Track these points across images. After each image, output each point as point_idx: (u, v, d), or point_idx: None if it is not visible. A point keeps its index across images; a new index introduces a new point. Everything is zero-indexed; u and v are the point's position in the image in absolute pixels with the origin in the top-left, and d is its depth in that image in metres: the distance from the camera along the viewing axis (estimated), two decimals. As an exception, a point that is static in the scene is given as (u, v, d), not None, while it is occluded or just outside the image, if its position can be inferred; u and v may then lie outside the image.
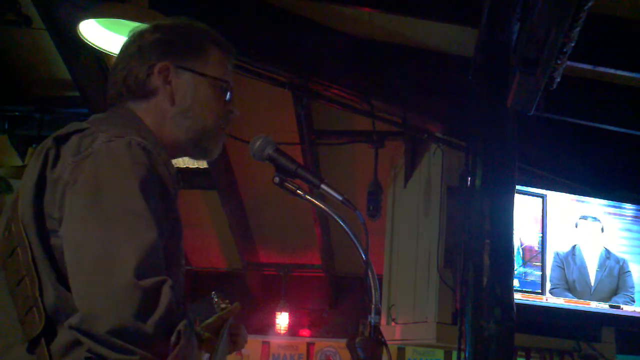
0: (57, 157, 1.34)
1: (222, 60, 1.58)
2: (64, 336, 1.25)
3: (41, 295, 1.28)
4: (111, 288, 1.17)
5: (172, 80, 1.51)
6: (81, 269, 1.22)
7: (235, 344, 1.86)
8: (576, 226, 4.00)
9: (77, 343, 1.23)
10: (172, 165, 1.42)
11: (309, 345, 7.90)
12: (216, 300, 1.86)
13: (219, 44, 1.58)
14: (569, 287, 3.89)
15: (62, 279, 1.27)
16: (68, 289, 1.25)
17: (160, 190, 1.32)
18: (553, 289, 3.84)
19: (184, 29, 1.57)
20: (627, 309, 3.96)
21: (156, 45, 1.52)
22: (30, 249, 1.30)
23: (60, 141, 1.36)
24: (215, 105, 1.55)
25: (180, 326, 1.19)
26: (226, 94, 1.57)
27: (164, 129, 1.51)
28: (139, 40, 1.54)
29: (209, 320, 1.80)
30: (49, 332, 1.26)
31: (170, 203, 1.36)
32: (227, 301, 1.86)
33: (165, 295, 1.19)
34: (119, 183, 1.27)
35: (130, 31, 1.58)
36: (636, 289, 4.00)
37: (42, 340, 1.25)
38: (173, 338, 1.18)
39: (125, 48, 1.56)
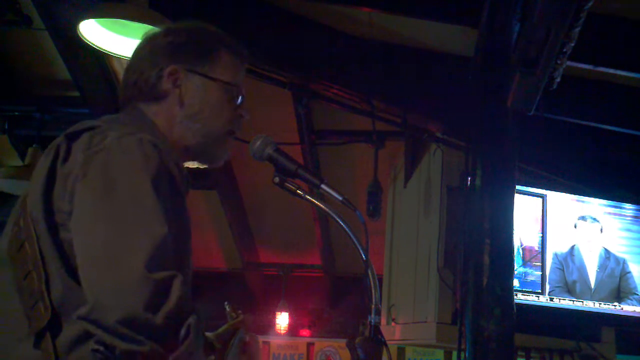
0: (68, 152, 1.34)
1: (233, 64, 1.58)
2: (70, 331, 1.25)
3: (48, 289, 1.28)
4: (122, 278, 1.17)
5: (181, 83, 1.52)
6: (91, 260, 1.22)
7: (247, 355, 1.82)
8: (575, 227, 4.00)
9: (83, 338, 1.23)
10: (182, 166, 1.43)
11: (309, 345, 7.89)
12: (228, 310, 1.86)
13: (231, 48, 1.58)
14: (568, 288, 3.88)
15: (71, 272, 1.27)
16: (77, 282, 1.25)
17: (170, 188, 1.32)
18: (552, 291, 3.84)
19: (196, 33, 1.58)
20: (627, 309, 3.95)
21: (167, 49, 1.53)
22: (38, 243, 1.31)
23: (72, 138, 1.36)
24: (225, 109, 1.55)
25: (191, 320, 1.19)
26: (237, 98, 1.57)
27: (173, 132, 1.52)
28: (151, 44, 1.55)
29: (220, 329, 1.79)
30: (55, 326, 1.26)
31: (180, 202, 1.36)
32: (240, 312, 1.86)
33: (176, 289, 1.19)
34: (131, 177, 1.27)
35: (143, 34, 1.60)
36: (639, 289, 4.00)
37: (48, 335, 1.25)
38: (183, 331, 1.18)
39: (137, 51, 1.57)
